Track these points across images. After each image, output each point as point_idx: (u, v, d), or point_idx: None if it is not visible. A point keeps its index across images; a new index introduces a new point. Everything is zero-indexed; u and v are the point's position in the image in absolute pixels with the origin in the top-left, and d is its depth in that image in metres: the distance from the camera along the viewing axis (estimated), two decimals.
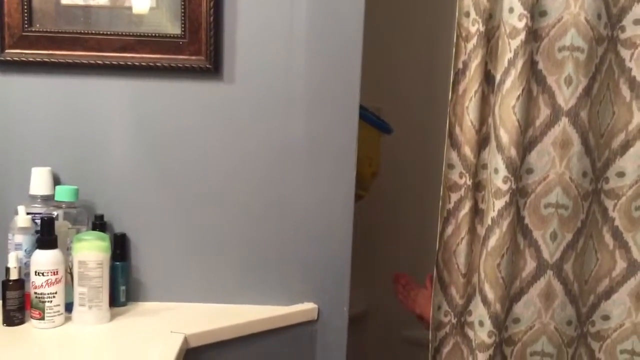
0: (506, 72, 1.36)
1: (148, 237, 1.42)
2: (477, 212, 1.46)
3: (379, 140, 1.93)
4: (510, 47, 1.36)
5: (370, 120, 1.87)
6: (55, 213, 1.30)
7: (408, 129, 2.11)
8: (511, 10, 1.35)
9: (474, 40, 1.41)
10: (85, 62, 1.36)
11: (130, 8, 1.37)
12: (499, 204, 1.37)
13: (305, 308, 1.44)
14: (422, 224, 2.09)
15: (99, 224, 1.36)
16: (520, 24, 1.35)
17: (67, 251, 1.29)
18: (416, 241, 2.19)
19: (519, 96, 1.35)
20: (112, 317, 1.31)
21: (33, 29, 1.36)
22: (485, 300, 1.39)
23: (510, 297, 1.42)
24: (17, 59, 1.35)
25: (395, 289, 1.83)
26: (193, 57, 1.37)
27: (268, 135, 1.42)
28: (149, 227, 1.42)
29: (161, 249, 1.43)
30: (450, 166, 1.47)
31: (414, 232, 2.18)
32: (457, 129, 1.46)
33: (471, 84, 1.43)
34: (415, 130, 2.09)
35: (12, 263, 1.25)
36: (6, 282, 1.25)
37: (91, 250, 1.26)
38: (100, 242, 1.27)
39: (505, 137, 1.36)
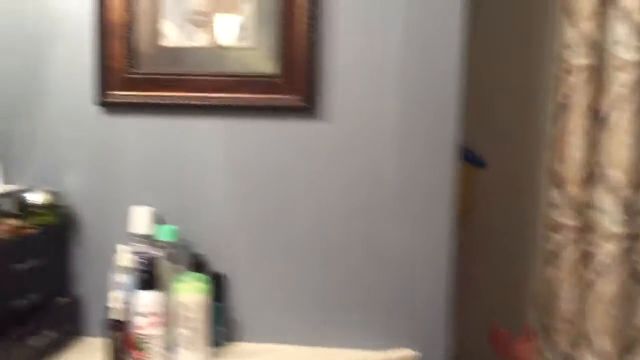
0: (613, 106, 1.30)
1: (244, 277, 1.41)
2: (583, 255, 1.38)
3: (472, 176, 1.87)
4: (618, 80, 1.29)
5: (464, 154, 1.82)
6: (156, 253, 1.30)
7: (502, 164, 2.03)
8: (618, 42, 1.29)
9: (577, 73, 1.35)
10: (184, 103, 1.38)
11: (228, 48, 1.38)
12: (610, 247, 1.29)
13: (404, 354, 1.39)
14: (518, 264, 2.00)
15: (198, 264, 1.36)
16: (628, 56, 1.28)
17: (168, 292, 1.30)
18: (510, 282, 2.09)
19: (630, 132, 1.28)
20: (211, 358, 1.30)
21: (135, 71, 1.38)
22: (595, 350, 1.31)
23: (624, 347, 1.33)
24: (120, 100, 1.38)
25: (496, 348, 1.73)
26: (290, 97, 1.37)
27: (360, 172, 1.39)
28: (245, 267, 1.41)
29: (256, 289, 1.41)
30: (552, 205, 1.40)
31: (508, 272, 2.08)
32: (559, 166, 1.39)
33: (574, 119, 1.36)
34: (510, 165, 2.01)
35: (114, 303, 1.26)
36: (109, 322, 1.26)
37: (191, 292, 1.26)
38: (200, 284, 1.27)
39: (616, 176, 1.29)
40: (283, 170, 1.40)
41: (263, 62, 1.38)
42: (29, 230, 1.26)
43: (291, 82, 1.37)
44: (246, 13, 1.38)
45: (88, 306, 1.41)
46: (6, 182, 1.38)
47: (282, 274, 1.41)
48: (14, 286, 1.21)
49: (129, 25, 1.37)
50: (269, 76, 1.37)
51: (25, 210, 1.30)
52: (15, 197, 1.33)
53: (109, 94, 1.39)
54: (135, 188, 1.41)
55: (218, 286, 1.37)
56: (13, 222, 1.24)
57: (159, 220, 1.38)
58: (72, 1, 1.39)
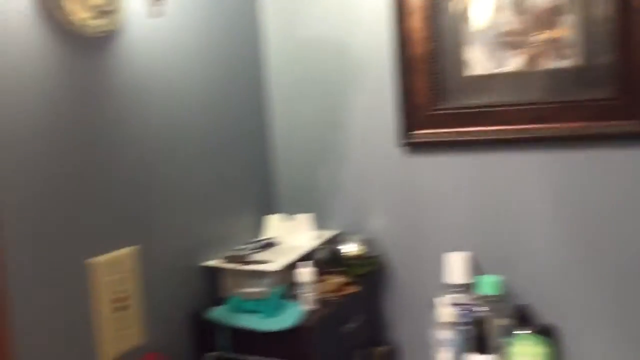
0: None
1: (579, 330, 1.23)
2: None
3: None
4: None
5: None
6: (481, 308, 1.19)
7: None
8: None
9: None
10: (497, 138, 1.23)
11: (547, 72, 1.18)
12: None
13: None
14: None
15: (523, 318, 1.21)
16: None
17: (499, 354, 1.17)
18: None
19: None
20: None
21: (440, 107, 1.27)
22: None
23: None
24: (425, 140, 1.28)
25: None
26: (629, 122, 1.14)
27: None
28: (580, 319, 1.23)
29: (599, 344, 1.22)
30: None
31: None
32: None
33: None
34: None
35: None
36: None
37: (530, 357, 1.12)
38: (539, 348, 1.13)
39: None
40: (621, 207, 1.18)
41: (592, 84, 1.17)
42: (351, 287, 1.23)
43: (631, 105, 1.14)
44: (568, 27, 1.17)
45: (404, 355, 1.36)
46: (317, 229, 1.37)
47: (625, 323, 1.21)
48: (342, 347, 1.19)
49: (432, 58, 1.26)
50: (601, 100, 1.16)
51: (342, 262, 1.28)
52: (330, 248, 1.31)
53: (413, 134, 1.29)
54: (448, 232, 1.30)
55: (550, 341, 1.21)
56: (337, 279, 1.22)
57: (476, 267, 1.27)
58: (371, 41, 1.32)
